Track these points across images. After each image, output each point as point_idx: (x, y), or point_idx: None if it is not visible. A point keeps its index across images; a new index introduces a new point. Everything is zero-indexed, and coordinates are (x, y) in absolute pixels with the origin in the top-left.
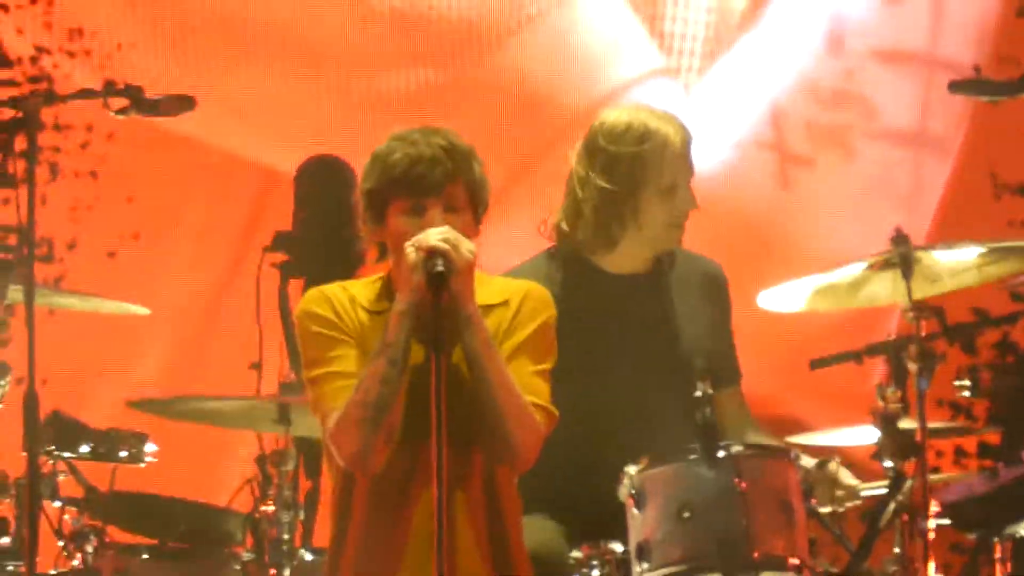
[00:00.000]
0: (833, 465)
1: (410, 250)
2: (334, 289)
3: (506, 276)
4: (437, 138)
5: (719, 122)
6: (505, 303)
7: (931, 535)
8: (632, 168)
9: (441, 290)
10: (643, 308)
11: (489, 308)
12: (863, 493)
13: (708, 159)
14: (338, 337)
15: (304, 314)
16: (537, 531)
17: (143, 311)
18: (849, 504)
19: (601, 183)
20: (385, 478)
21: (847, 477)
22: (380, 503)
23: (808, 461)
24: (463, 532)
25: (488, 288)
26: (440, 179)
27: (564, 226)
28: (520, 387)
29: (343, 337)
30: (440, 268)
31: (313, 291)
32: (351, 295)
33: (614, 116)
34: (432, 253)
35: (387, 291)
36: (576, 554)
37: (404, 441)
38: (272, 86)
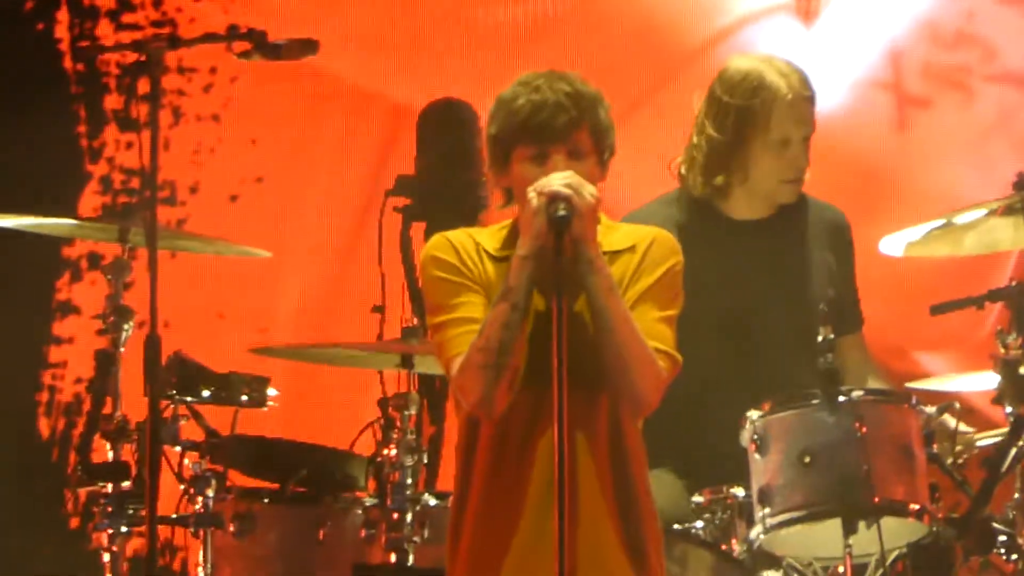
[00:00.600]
0: (949, 417)
1: (532, 195)
2: (459, 235)
3: (625, 219)
4: (562, 83)
5: (837, 62)
6: (632, 248)
7: None
8: (741, 119)
9: (563, 234)
10: (764, 254)
11: (616, 254)
12: (980, 443)
13: (825, 99)
14: (462, 283)
15: (428, 259)
16: (657, 483)
17: (265, 254)
18: (965, 455)
19: (711, 131)
20: (509, 423)
21: (963, 427)
22: (504, 448)
23: (929, 408)
24: (586, 477)
25: (615, 234)
26: (564, 126)
27: (683, 170)
28: (644, 333)
29: (467, 283)
30: (562, 212)
31: (437, 237)
32: (476, 242)
33: (735, 64)
34: (554, 197)
35: (513, 238)
36: (698, 499)
37: (527, 386)
38: (394, 19)
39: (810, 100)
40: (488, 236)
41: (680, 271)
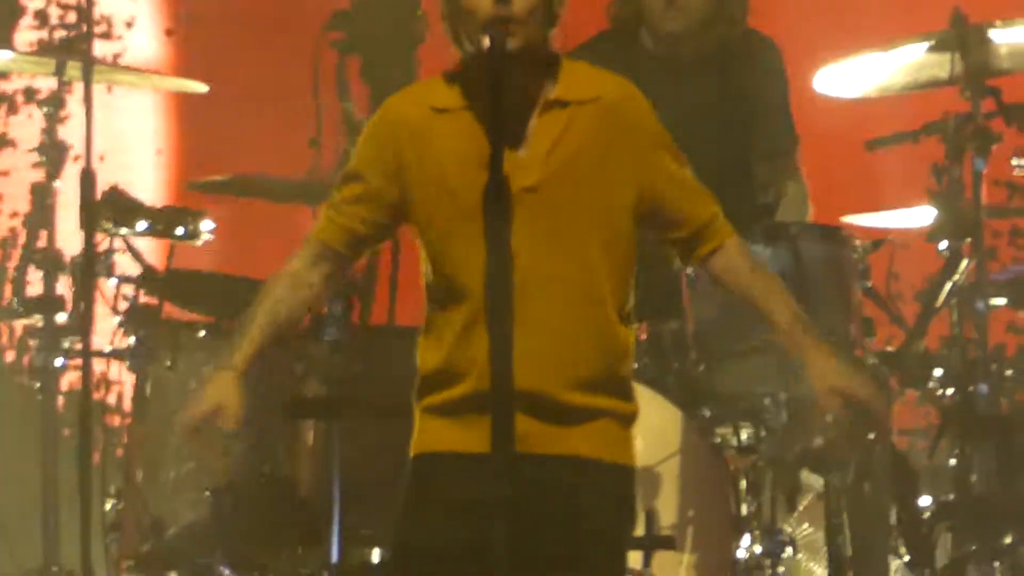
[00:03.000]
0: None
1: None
2: (398, 97)
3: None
4: None
5: None
6: (597, 99)
7: (988, 314)
8: None
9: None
10: (694, 89)
11: (581, 104)
12: None
13: None
14: (365, 172)
15: (369, 129)
16: None
17: (201, 88)
18: None
19: None
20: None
21: None
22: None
23: (864, 242)
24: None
25: (576, 78)
26: None
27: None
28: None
29: (369, 178)
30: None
31: (397, 103)
32: (422, 93)
33: None
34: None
35: (456, 88)
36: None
37: None
38: None
39: None
40: (435, 89)
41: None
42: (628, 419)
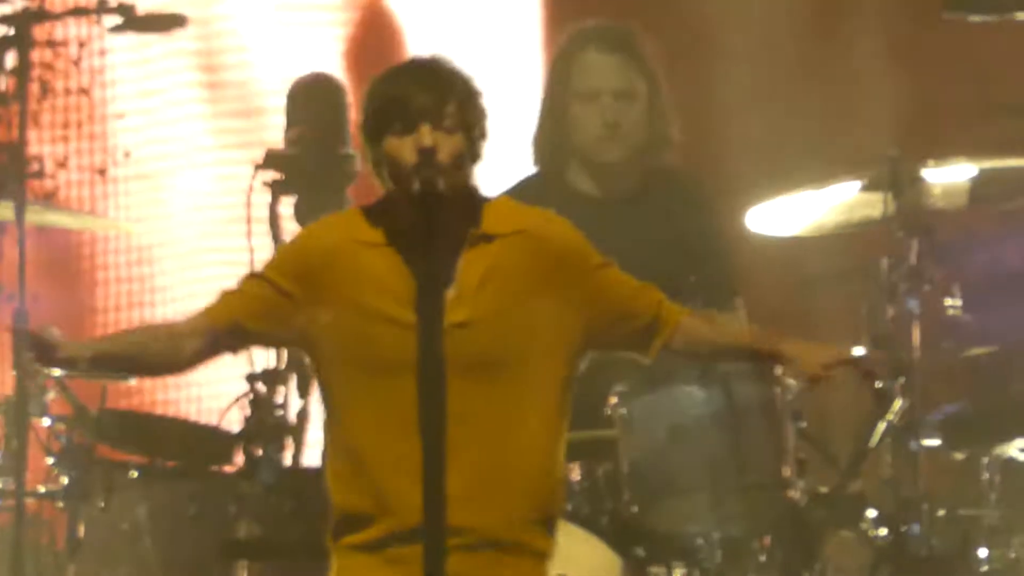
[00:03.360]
0: None
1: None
2: (314, 227)
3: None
4: (434, 65)
5: None
6: (523, 231)
7: (920, 454)
8: (556, 71)
9: (433, 213)
10: (623, 232)
11: (505, 237)
12: None
13: None
14: (271, 290)
15: (288, 247)
16: None
17: (131, 228)
18: None
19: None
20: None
21: None
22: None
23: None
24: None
25: (501, 214)
26: (432, 102)
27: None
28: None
29: (279, 283)
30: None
31: (313, 233)
32: (342, 226)
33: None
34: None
35: (384, 216)
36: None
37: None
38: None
39: (624, 51)
40: (353, 221)
41: None
42: (548, 556)
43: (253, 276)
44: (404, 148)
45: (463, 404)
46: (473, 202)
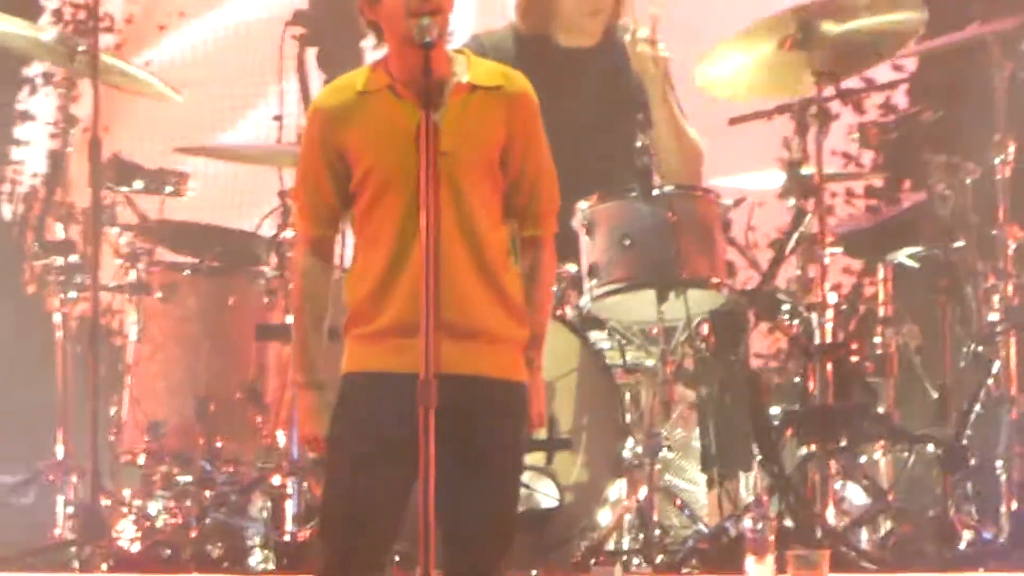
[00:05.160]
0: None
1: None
2: (333, 93)
3: (469, 43)
4: None
5: None
6: (500, 88)
7: (826, 260)
8: None
9: (430, 53)
10: (590, 77)
11: (489, 90)
12: None
13: None
14: (315, 154)
15: (308, 117)
16: None
17: (177, 98)
18: None
19: None
20: (390, 207)
21: None
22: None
23: (727, 199)
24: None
25: (481, 68)
26: None
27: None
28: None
29: (318, 154)
30: (428, 39)
31: (321, 97)
32: (351, 81)
33: None
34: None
35: (379, 72)
36: None
37: (402, 183)
38: None
39: None
40: (359, 76)
41: None
42: (521, 343)
43: (303, 178)
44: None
45: (445, 216)
46: (457, 54)
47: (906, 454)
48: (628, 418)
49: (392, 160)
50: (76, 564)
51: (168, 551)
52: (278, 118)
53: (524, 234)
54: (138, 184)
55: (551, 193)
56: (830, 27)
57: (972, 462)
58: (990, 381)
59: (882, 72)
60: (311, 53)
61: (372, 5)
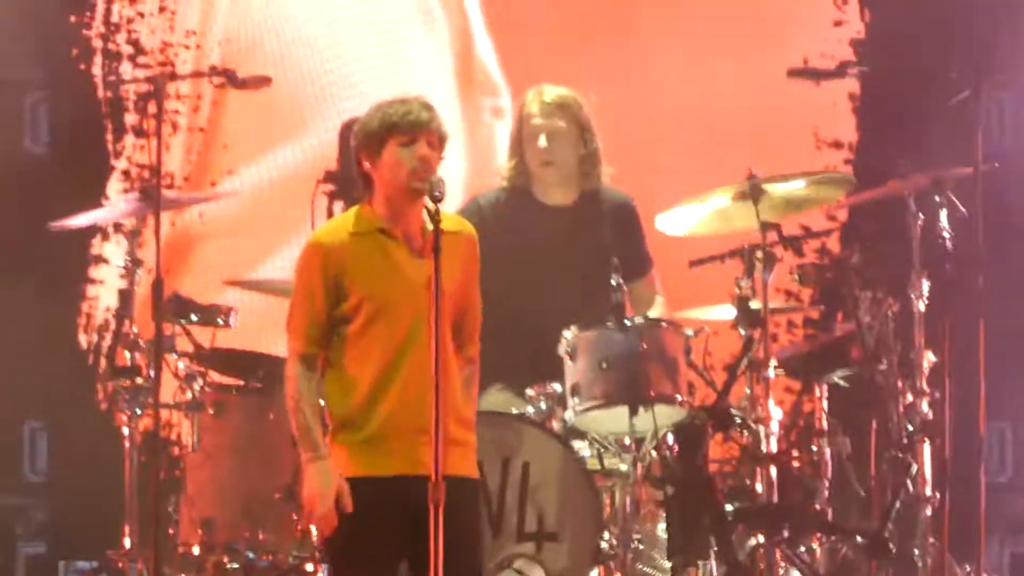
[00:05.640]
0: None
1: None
2: (330, 232)
3: (469, 203)
4: (419, 100)
5: None
6: (457, 233)
7: (771, 380)
8: (516, 116)
9: (439, 211)
10: (571, 231)
11: (452, 234)
12: None
13: None
14: (315, 283)
15: (306, 245)
16: (498, 391)
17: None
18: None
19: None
20: (380, 340)
21: None
22: (380, 355)
23: (688, 330)
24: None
25: (447, 217)
26: (427, 121)
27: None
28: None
29: (318, 283)
30: (437, 194)
31: (322, 225)
32: (346, 223)
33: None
34: (436, 183)
35: (368, 216)
36: (529, 392)
37: (393, 312)
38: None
39: (558, 107)
40: (350, 217)
41: None
42: (475, 447)
43: (298, 303)
44: (405, 155)
45: (422, 340)
46: (434, 205)
47: (839, 544)
48: (605, 515)
49: (383, 291)
50: None
51: None
52: None
53: (464, 354)
54: (194, 317)
55: (479, 319)
56: (773, 188)
57: (893, 551)
58: (908, 482)
59: (818, 221)
60: (338, 206)
61: (372, 158)
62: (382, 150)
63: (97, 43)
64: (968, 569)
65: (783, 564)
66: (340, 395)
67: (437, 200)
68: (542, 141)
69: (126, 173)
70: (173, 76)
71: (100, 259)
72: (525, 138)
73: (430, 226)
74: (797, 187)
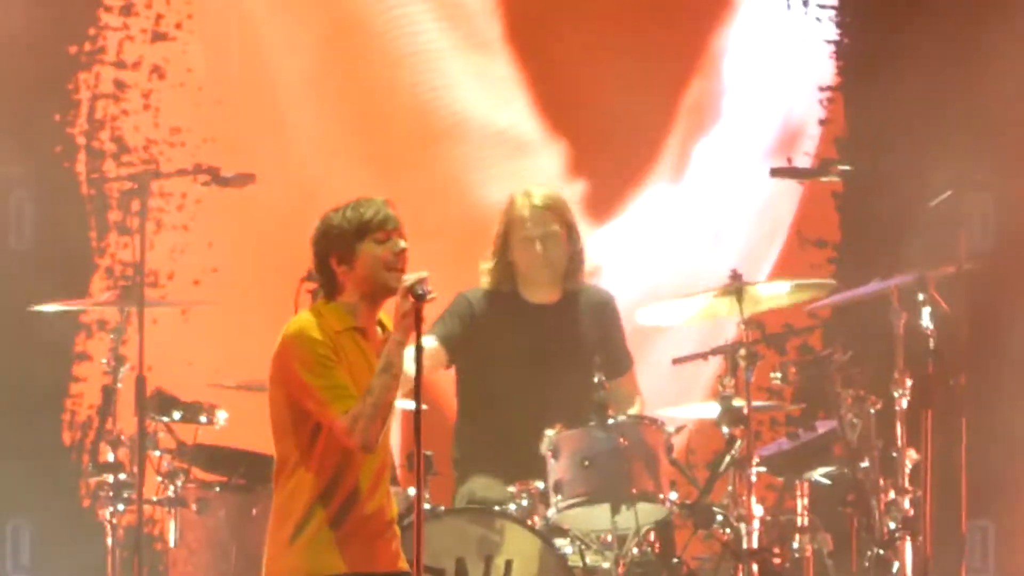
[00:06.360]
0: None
1: (406, 281)
2: (313, 320)
3: (457, 299)
4: (380, 199)
5: None
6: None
7: (753, 478)
8: (505, 220)
9: (422, 308)
10: (554, 328)
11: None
12: None
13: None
14: (334, 360)
15: (308, 339)
16: (483, 482)
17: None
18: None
19: (497, 240)
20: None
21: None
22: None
23: (670, 427)
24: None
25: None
26: (396, 220)
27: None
28: None
29: (335, 359)
30: (423, 292)
31: (304, 321)
32: (325, 320)
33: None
34: (421, 282)
35: (347, 313)
36: (512, 489)
37: None
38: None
39: (549, 209)
40: (328, 313)
41: None
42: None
43: (334, 365)
44: (380, 250)
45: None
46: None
47: None
48: None
49: (361, 383)
50: None
51: None
52: None
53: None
54: (177, 415)
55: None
56: (755, 290)
57: None
58: None
59: (800, 319)
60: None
61: (348, 260)
62: (359, 249)
63: (81, 140)
64: None
65: None
66: (311, 493)
67: (420, 299)
68: (538, 247)
69: (109, 270)
70: (157, 174)
71: (83, 356)
72: (517, 242)
73: (389, 324)
74: (781, 289)
